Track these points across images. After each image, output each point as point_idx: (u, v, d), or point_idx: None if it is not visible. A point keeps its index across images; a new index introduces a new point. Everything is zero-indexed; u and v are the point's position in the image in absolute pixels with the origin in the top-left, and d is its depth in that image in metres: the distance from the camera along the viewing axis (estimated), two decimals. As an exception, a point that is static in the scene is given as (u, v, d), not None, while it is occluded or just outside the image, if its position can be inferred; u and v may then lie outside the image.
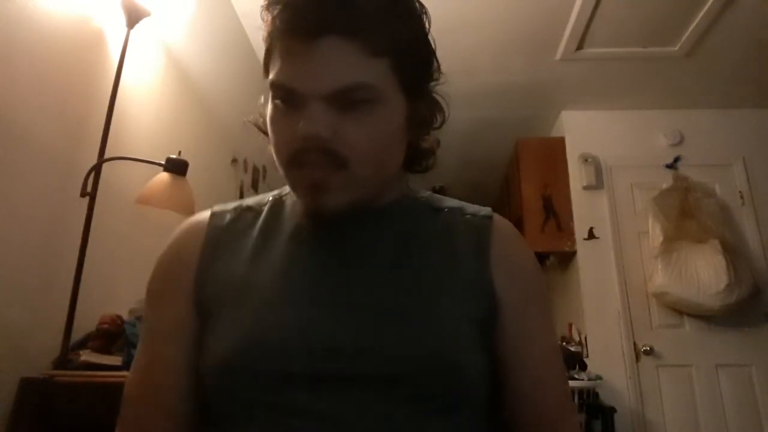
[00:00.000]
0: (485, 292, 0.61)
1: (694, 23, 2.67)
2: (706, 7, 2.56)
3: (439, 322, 0.57)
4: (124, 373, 1.24)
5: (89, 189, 1.45)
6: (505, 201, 4.17)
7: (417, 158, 0.69)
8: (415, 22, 0.62)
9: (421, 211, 0.68)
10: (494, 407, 0.63)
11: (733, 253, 2.98)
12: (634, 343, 3.08)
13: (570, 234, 3.38)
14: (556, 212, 3.45)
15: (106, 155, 1.51)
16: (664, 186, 3.28)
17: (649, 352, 3.06)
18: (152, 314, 0.66)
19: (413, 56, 0.62)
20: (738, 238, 3.16)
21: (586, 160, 3.43)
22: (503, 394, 0.62)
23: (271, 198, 0.72)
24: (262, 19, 0.61)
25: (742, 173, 3.35)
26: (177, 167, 1.52)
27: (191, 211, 1.54)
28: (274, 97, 0.61)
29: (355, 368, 0.54)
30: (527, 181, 3.57)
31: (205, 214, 0.70)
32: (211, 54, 2.46)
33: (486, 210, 0.69)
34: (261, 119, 0.68)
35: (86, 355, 1.32)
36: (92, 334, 1.40)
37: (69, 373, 1.25)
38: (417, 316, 0.57)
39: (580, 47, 2.89)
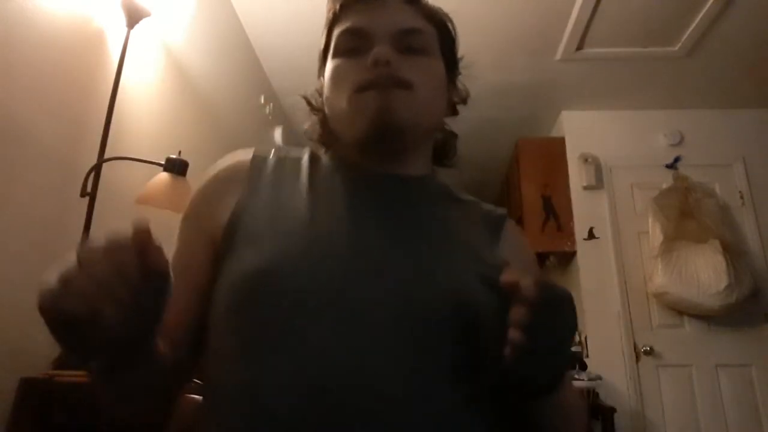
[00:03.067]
0: (498, 263, 0.65)
1: (694, 23, 2.67)
2: (706, 7, 2.56)
3: (465, 279, 0.60)
4: (124, 373, 1.24)
5: (89, 189, 1.45)
6: (505, 201, 4.16)
7: (444, 149, 0.79)
8: (445, 15, 0.76)
9: (446, 192, 0.75)
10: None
11: (733, 253, 2.98)
12: (634, 343, 3.08)
13: (570, 234, 3.38)
14: (556, 212, 3.45)
15: (106, 155, 1.51)
16: (664, 186, 3.28)
17: (649, 352, 3.06)
18: (187, 229, 0.68)
19: (450, 38, 0.75)
20: (738, 238, 3.16)
21: (586, 160, 3.43)
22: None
23: (308, 151, 0.74)
24: None
25: (742, 173, 3.35)
26: (177, 167, 1.52)
27: (191, 211, 1.54)
28: (339, 47, 0.69)
29: (384, 312, 0.55)
30: (527, 181, 3.57)
31: (247, 156, 0.71)
32: (211, 54, 2.46)
33: (502, 209, 0.78)
34: (310, 94, 0.76)
35: (86, 355, 1.31)
36: (92, 334, 1.40)
37: (69, 373, 1.25)
38: (445, 271, 0.61)
39: (580, 47, 2.88)
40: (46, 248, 1.37)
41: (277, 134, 3.54)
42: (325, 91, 0.71)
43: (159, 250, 0.43)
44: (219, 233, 0.63)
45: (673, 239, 3.04)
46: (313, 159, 0.72)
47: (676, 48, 2.88)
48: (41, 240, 1.35)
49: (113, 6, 1.63)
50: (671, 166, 3.39)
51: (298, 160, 0.72)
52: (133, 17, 1.64)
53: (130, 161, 1.56)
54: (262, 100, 3.27)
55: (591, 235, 3.34)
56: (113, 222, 1.62)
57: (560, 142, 3.59)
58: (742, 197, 3.30)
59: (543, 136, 3.87)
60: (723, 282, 2.85)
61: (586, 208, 3.40)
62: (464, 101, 0.79)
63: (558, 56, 2.97)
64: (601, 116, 3.56)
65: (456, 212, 0.72)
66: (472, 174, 4.97)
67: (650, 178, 3.38)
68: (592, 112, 3.57)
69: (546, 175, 3.54)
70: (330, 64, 0.70)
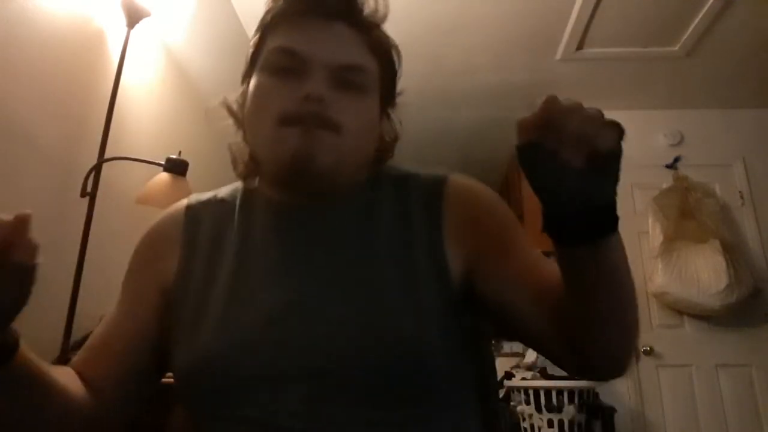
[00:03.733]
0: (443, 268, 0.60)
1: (694, 23, 2.67)
2: (706, 7, 2.56)
3: (395, 312, 0.56)
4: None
5: (89, 189, 1.45)
6: (505, 201, 4.16)
7: (382, 149, 0.71)
8: (393, 45, 0.69)
9: (381, 184, 0.68)
10: (485, 403, 0.63)
11: (733, 253, 2.98)
12: (634, 343, 3.08)
13: (570, 234, 3.38)
14: (556, 212, 3.45)
15: (106, 155, 1.51)
16: (664, 186, 3.27)
17: (649, 352, 3.06)
18: (130, 284, 0.68)
19: (391, 71, 0.69)
20: (738, 238, 3.16)
21: (586, 160, 3.43)
22: (521, 321, 0.59)
23: (240, 186, 0.72)
24: None
25: (742, 173, 3.35)
26: (177, 167, 1.52)
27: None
28: (270, 65, 0.63)
29: (307, 365, 0.54)
30: (527, 181, 3.57)
31: (180, 208, 0.70)
32: (211, 54, 2.46)
33: (440, 174, 0.69)
34: (232, 101, 0.70)
35: (86, 355, 1.32)
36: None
37: (69, 373, 1.25)
38: (371, 309, 0.57)
39: (580, 47, 2.88)
40: (46, 248, 1.36)
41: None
42: (248, 105, 0.65)
43: (31, 244, 0.43)
44: (161, 294, 0.64)
45: (673, 239, 3.03)
46: (245, 199, 0.69)
47: (676, 48, 2.87)
48: (41, 240, 1.35)
49: (113, 6, 1.63)
50: (671, 166, 3.39)
51: (232, 204, 0.69)
52: (133, 17, 1.64)
53: (130, 161, 1.56)
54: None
55: (591, 235, 3.34)
56: (113, 222, 1.62)
57: (560, 142, 3.59)
58: (742, 197, 3.30)
59: (543, 136, 3.87)
60: (723, 282, 2.85)
61: (586, 208, 3.40)
62: (393, 141, 0.72)
63: (558, 56, 2.97)
64: (601, 116, 3.56)
65: (385, 209, 0.65)
66: (472, 174, 4.96)
67: (650, 178, 3.37)
68: (592, 112, 3.56)
69: (546, 175, 3.54)
70: (256, 79, 0.65)
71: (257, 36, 0.68)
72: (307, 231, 0.64)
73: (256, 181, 0.70)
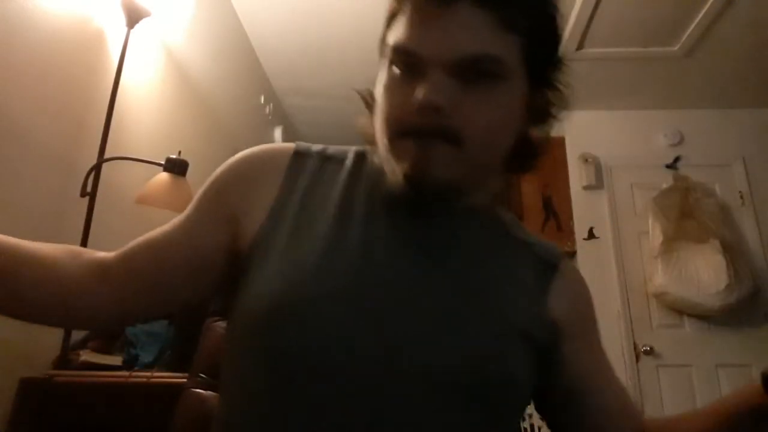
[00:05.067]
0: (544, 319, 0.61)
1: (694, 23, 2.67)
2: (706, 7, 2.56)
3: (498, 335, 0.56)
4: (124, 373, 1.24)
5: (89, 189, 1.45)
6: (505, 201, 4.16)
7: (523, 155, 0.64)
8: (551, 4, 0.60)
9: (502, 229, 0.67)
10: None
11: (733, 253, 2.98)
12: (634, 343, 3.08)
13: (570, 234, 3.38)
14: (556, 212, 3.45)
15: (106, 155, 1.51)
16: (664, 186, 3.27)
17: (649, 352, 3.06)
18: (206, 203, 0.63)
19: (545, 40, 0.60)
20: (738, 238, 3.16)
21: (586, 160, 3.43)
22: (580, 414, 0.64)
23: (354, 153, 0.67)
24: None
25: (742, 173, 3.35)
26: (177, 167, 1.52)
27: (191, 211, 1.54)
28: (392, 63, 0.57)
29: (398, 370, 0.51)
30: (527, 181, 3.57)
31: (287, 150, 0.65)
32: (211, 54, 2.46)
33: (557, 251, 0.68)
34: (367, 90, 0.65)
35: (86, 355, 1.32)
36: (92, 334, 1.40)
37: (69, 373, 1.25)
38: (477, 325, 0.56)
39: (580, 47, 2.89)
40: (46, 248, 1.37)
41: (277, 134, 3.54)
42: (378, 100, 0.60)
43: None
44: (243, 223, 0.60)
45: (673, 239, 3.03)
46: (358, 161, 0.65)
47: (676, 48, 2.87)
48: (41, 240, 1.35)
49: (113, 6, 1.63)
50: (671, 166, 3.39)
51: (342, 162, 0.65)
52: (133, 17, 1.64)
53: (130, 161, 1.56)
54: (262, 100, 3.27)
55: (591, 235, 3.34)
56: (113, 222, 1.62)
57: (560, 142, 3.59)
58: (742, 197, 3.30)
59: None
60: (723, 282, 2.85)
61: (586, 208, 3.40)
62: (549, 114, 0.66)
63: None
64: (601, 116, 3.56)
65: (505, 256, 0.64)
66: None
67: (650, 178, 3.37)
68: (592, 112, 3.56)
69: (546, 175, 3.54)
70: (383, 74, 0.59)
71: (389, 14, 0.60)
72: (419, 228, 0.60)
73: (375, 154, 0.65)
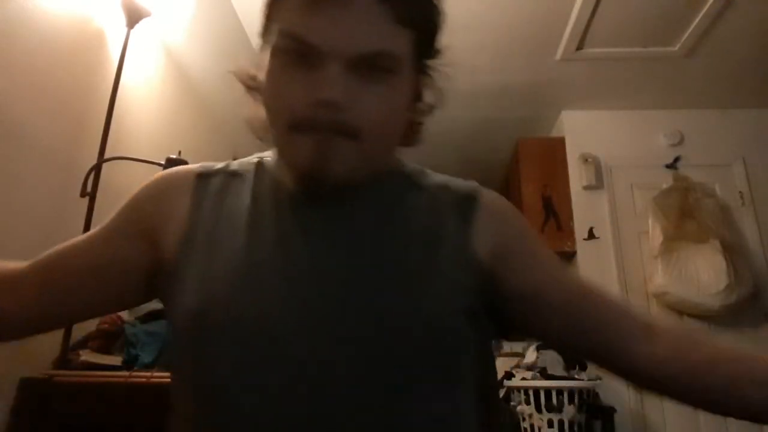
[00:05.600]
0: (470, 268, 0.59)
1: (694, 23, 2.67)
2: (706, 7, 2.56)
3: (418, 298, 0.56)
4: (124, 373, 1.24)
5: (89, 189, 1.45)
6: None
7: (410, 133, 0.66)
8: (431, 4, 0.60)
9: (406, 187, 0.65)
10: (486, 389, 0.62)
11: (733, 253, 2.98)
12: (634, 343, 3.08)
13: (570, 234, 3.38)
14: (556, 212, 3.45)
15: (106, 155, 1.51)
16: (664, 186, 3.27)
17: (649, 352, 3.06)
18: (121, 219, 0.66)
19: (432, 34, 0.61)
20: (738, 238, 3.16)
21: (586, 160, 3.43)
22: (541, 323, 0.62)
23: (255, 161, 0.68)
24: None
25: (742, 173, 3.35)
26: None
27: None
28: (280, 49, 0.55)
29: (318, 351, 0.51)
30: (527, 181, 3.57)
31: (191, 173, 0.66)
32: (211, 54, 2.46)
33: (471, 187, 0.66)
34: (244, 72, 0.64)
35: (86, 355, 1.32)
36: (92, 334, 1.40)
37: (69, 373, 1.25)
38: (394, 301, 0.55)
39: (580, 47, 2.88)
40: (46, 248, 1.36)
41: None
42: (263, 86, 0.58)
43: None
44: (159, 243, 0.61)
45: (673, 239, 3.03)
46: (259, 170, 0.66)
47: (676, 48, 2.87)
48: (41, 240, 1.35)
49: (113, 6, 1.63)
50: (671, 166, 3.39)
51: (246, 174, 0.66)
52: (133, 17, 1.64)
53: (130, 161, 1.56)
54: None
55: (591, 235, 3.34)
56: (113, 222, 1.62)
57: (560, 142, 3.59)
58: (742, 197, 3.30)
59: (543, 136, 3.87)
60: (723, 282, 2.85)
61: (586, 208, 3.40)
62: (430, 110, 0.66)
63: (558, 56, 2.97)
64: (601, 116, 3.56)
65: (417, 211, 0.62)
66: (472, 174, 4.96)
67: (650, 178, 3.37)
68: (592, 112, 3.56)
69: (546, 175, 3.54)
70: (269, 62, 0.57)
71: (266, 6, 0.59)
72: (327, 218, 0.60)
73: (273, 155, 0.66)
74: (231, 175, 0.66)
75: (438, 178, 0.68)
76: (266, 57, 0.58)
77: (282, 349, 0.52)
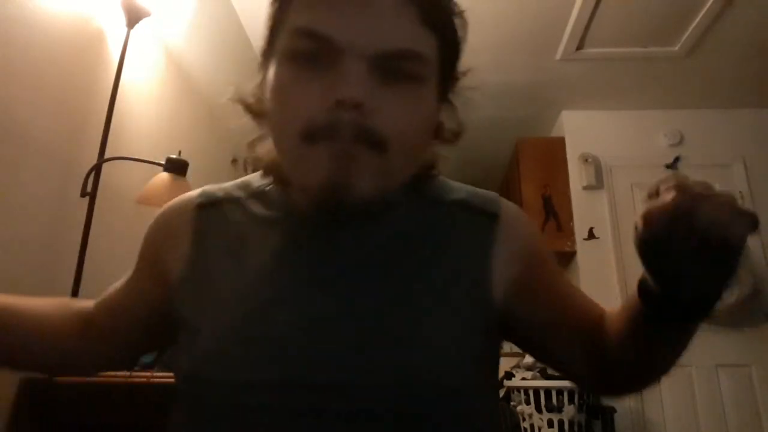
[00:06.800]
0: (486, 307, 0.54)
1: (694, 23, 2.67)
2: (706, 7, 2.56)
3: (428, 348, 0.49)
4: (124, 373, 1.24)
5: (89, 189, 1.45)
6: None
7: (429, 162, 0.60)
8: (458, 7, 0.55)
9: (424, 207, 0.59)
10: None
11: (733, 253, 2.98)
12: (634, 343, 3.08)
13: (570, 234, 3.38)
14: (556, 212, 3.45)
15: (106, 155, 1.51)
16: (664, 186, 3.27)
17: (649, 352, 3.06)
18: (140, 259, 0.67)
19: (456, 46, 0.54)
20: (738, 238, 3.16)
21: (586, 160, 3.43)
22: (552, 346, 0.59)
23: (256, 186, 0.62)
24: None
25: (742, 173, 3.35)
26: (177, 167, 1.52)
27: (191, 211, 1.54)
28: (291, 52, 0.48)
29: (327, 403, 0.46)
30: (527, 181, 3.57)
31: (190, 205, 0.62)
32: (211, 54, 2.46)
33: (492, 204, 0.60)
34: (249, 96, 0.57)
35: (86, 355, 1.32)
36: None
37: (69, 373, 1.25)
38: (404, 341, 0.49)
39: (580, 47, 2.88)
40: (46, 248, 1.37)
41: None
42: (268, 102, 0.51)
43: None
44: (167, 284, 0.59)
45: (673, 239, 3.03)
46: (263, 199, 0.60)
47: (676, 48, 2.87)
48: (41, 240, 1.35)
49: (113, 6, 1.63)
50: (671, 166, 3.39)
51: (249, 203, 0.60)
52: (133, 17, 1.63)
53: (130, 161, 1.56)
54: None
55: (591, 235, 3.34)
56: (113, 222, 1.62)
57: (560, 142, 3.59)
58: (742, 197, 3.30)
59: (543, 136, 3.87)
60: (723, 282, 2.85)
61: (586, 208, 3.40)
62: (455, 137, 0.59)
63: (558, 56, 2.97)
64: (601, 116, 3.56)
65: (435, 233, 0.56)
66: (472, 174, 4.97)
67: (650, 178, 3.27)
68: (592, 112, 3.56)
69: (546, 175, 3.54)
70: (276, 68, 0.50)
71: (276, 4, 0.52)
72: (337, 246, 0.54)
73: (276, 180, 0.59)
74: (234, 203, 0.60)
75: (458, 193, 0.61)
76: (272, 73, 0.51)
77: (280, 403, 0.47)
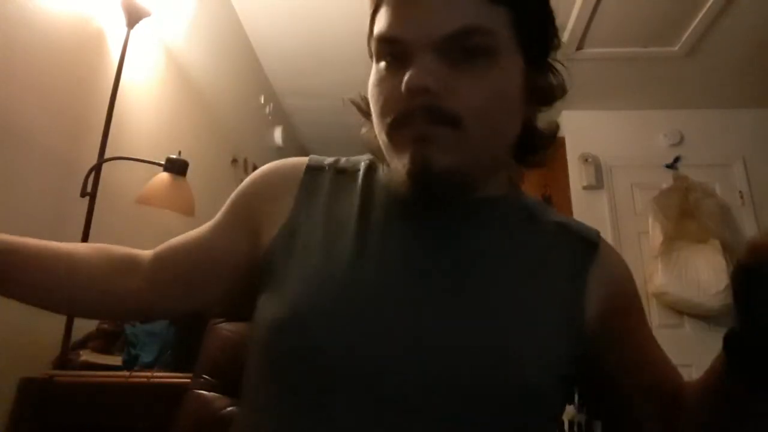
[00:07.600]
0: (577, 332, 0.55)
1: (694, 23, 2.67)
2: (706, 7, 2.56)
3: (522, 343, 0.52)
4: (124, 373, 1.24)
5: (89, 189, 1.45)
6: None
7: (531, 144, 0.61)
8: None
9: (524, 218, 0.61)
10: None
11: (733, 253, 2.98)
12: (634, 343, 3.08)
13: (570, 234, 3.38)
14: (556, 212, 3.45)
15: (106, 155, 1.51)
16: (664, 186, 3.28)
17: (649, 352, 3.06)
18: (230, 212, 0.65)
19: (534, 12, 0.57)
20: (738, 238, 3.16)
21: (586, 160, 3.43)
22: (626, 394, 0.57)
23: (365, 164, 0.65)
24: None
25: (742, 173, 3.35)
26: (177, 167, 1.52)
27: (191, 212, 1.54)
28: (378, 58, 0.55)
29: (421, 395, 0.48)
30: (527, 181, 3.50)
31: (300, 166, 0.65)
32: (211, 54, 2.46)
33: (592, 235, 0.63)
34: (361, 97, 0.62)
35: (86, 355, 1.32)
36: (92, 334, 1.40)
37: (69, 373, 1.25)
38: (498, 335, 0.51)
39: (580, 47, 2.89)
40: (46, 248, 1.37)
41: (277, 134, 3.54)
42: (371, 100, 0.58)
43: None
44: (262, 237, 0.60)
45: (673, 239, 3.03)
46: (370, 172, 0.63)
47: (676, 48, 2.87)
48: (41, 239, 1.35)
49: (113, 6, 1.63)
50: (671, 166, 3.39)
51: (355, 174, 0.63)
52: (133, 17, 1.64)
53: (130, 161, 1.56)
54: (262, 100, 3.27)
55: (591, 235, 3.34)
56: (113, 222, 1.62)
57: (560, 142, 3.59)
58: (742, 197, 3.30)
59: (543, 136, 3.87)
60: (723, 282, 2.85)
61: (586, 208, 3.40)
62: (551, 96, 0.61)
63: (558, 56, 2.97)
64: (601, 116, 3.56)
65: (533, 245, 0.59)
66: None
67: (650, 178, 3.38)
68: (592, 112, 3.56)
69: (546, 175, 3.54)
70: (371, 73, 0.56)
71: (371, 10, 0.57)
72: (437, 235, 0.56)
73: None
74: (340, 172, 0.64)
75: (558, 217, 0.64)
76: (371, 75, 0.57)
77: (365, 385, 0.49)
